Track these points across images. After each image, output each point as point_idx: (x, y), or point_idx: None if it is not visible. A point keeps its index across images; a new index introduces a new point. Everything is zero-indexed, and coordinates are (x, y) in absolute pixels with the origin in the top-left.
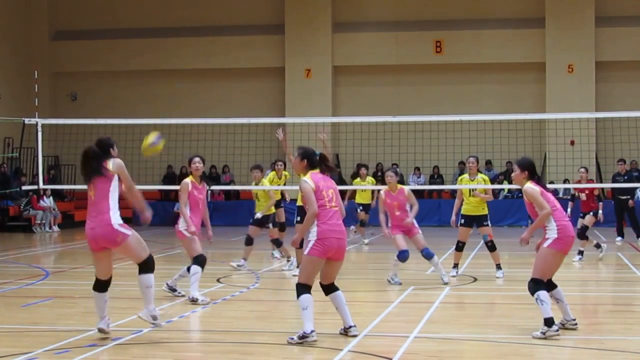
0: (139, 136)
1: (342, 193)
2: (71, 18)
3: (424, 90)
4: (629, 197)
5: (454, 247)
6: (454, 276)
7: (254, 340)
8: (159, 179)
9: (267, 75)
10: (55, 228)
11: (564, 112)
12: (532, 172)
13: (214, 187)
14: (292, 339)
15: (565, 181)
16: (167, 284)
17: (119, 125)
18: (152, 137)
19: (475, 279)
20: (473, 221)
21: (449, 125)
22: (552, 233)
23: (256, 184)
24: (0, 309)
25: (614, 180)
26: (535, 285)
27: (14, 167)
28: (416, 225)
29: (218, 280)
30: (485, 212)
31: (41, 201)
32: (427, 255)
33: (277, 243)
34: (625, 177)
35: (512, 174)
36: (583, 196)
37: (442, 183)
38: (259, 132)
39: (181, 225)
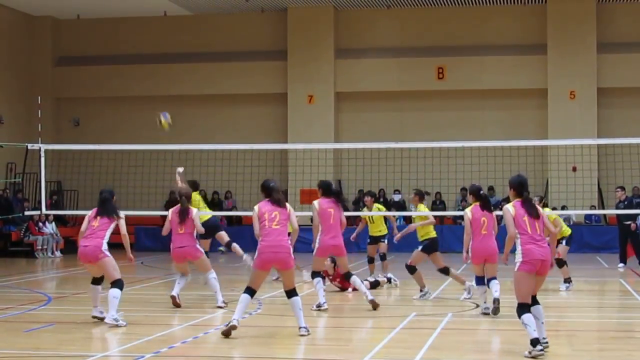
0: (141, 162)
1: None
2: (74, 44)
3: (426, 116)
4: (631, 222)
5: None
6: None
7: None
8: (161, 204)
9: (270, 101)
10: (58, 253)
11: (566, 139)
12: (519, 191)
13: (216, 213)
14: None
15: (563, 207)
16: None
17: (122, 151)
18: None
19: (478, 305)
20: None
21: (451, 151)
22: (518, 257)
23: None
24: (3, 334)
25: (616, 208)
26: (520, 309)
27: (16, 192)
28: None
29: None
30: None
31: (42, 227)
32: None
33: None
34: (625, 203)
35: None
36: None
37: (445, 209)
38: (261, 158)
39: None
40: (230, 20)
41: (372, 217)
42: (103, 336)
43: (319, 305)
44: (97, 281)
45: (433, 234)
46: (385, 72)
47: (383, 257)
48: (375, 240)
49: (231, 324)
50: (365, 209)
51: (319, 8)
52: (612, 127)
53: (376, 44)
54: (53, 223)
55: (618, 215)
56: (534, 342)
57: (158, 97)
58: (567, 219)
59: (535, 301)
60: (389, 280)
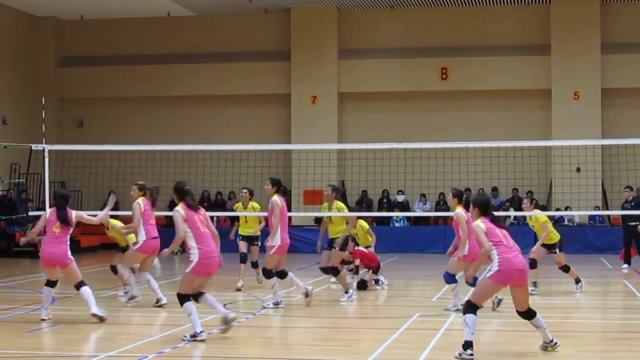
0: (144, 162)
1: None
2: (78, 44)
3: (430, 116)
4: (637, 223)
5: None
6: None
7: None
8: (165, 204)
9: (273, 101)
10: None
11: (569, 139)
12: (485, 209)
13: (219, 214)
14: (185, 336)
15: (567, 208)
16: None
17: (125, 151)
18: None
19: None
20: None
21: (454, 152)
22: (494, 265)
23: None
24: (6, 334)
25: (622, 208)
26: (468, 308)
27: (20, 192)
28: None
29: (224, 306)
30: None
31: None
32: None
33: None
34: (632, 204)
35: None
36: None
37: (448, 210)
38: (265, 159)
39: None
40: (233, 21)
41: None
42: (106, 336)
43: (276, 303)
44: (52, 284)
45: None
46: (389, 73)
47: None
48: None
49: (201, 338)
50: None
51: (323, 8)
52: (616, 127)
53: (379, 45)
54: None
55: (623, 216)
56: (467, 344)
57: (161, 98)
58: (570, 220)
59: (532, 313)
60: (377, 281)
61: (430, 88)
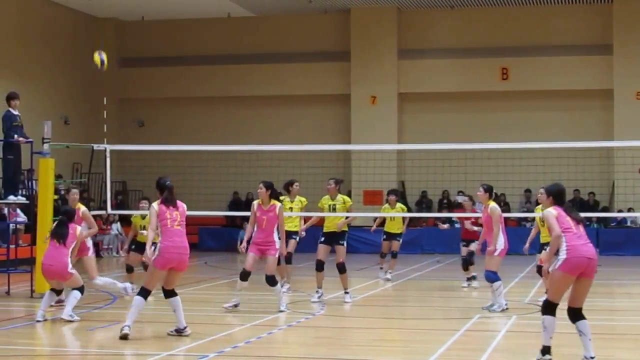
0: (204, 162)
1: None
2: (138, 45)
3: (490, 117)
4: None
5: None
6: None
7: None
8: (225, 205)
9: (333, 102)
10: (122, 253)
11: (632, 140)
12: (558, 199)
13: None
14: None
15: (630, 210)
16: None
17: (185, 151)
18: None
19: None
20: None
21: (514, 152)
22: (561, 254)
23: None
24: (68, 333)
25: None
26: (545, 308)
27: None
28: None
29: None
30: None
31: (108, 227)
32: (267, 279)
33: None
34: None
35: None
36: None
37: (509, 211)
38: (324, 159)
39: None
40: (293, 22)
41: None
42: (166, 335)
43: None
44: (57, 292)
45: None
46: (449, 73)
47: (394, 255)
48: (391, 237)
49: (123, 332)
50: (387, 205)
51: (382, 9)
52: None
53: (439, 45)
54: (118, 223)
55: None
56: (546, 349)
57: (221, 98)
58: (633, 221)
59: (581, 315)
60: (473, 278)
61: (490, 88)
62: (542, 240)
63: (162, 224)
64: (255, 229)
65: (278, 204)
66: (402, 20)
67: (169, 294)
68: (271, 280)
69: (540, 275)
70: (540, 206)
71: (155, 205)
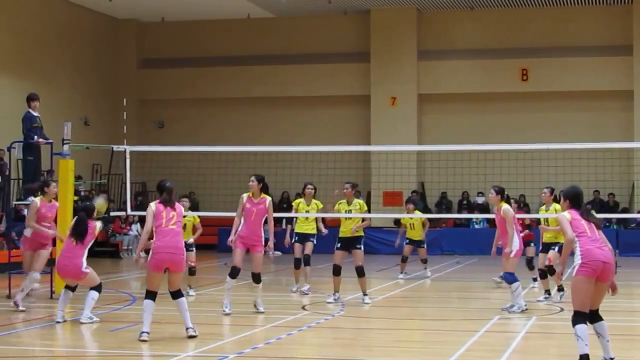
0: (224, 163)
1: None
2: (158, 46)
3: (510, 118)
4: None
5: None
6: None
7: None
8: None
9: (353, 103)
10: (142, 254)
11: None
12: (575, 202)
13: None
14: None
15: None
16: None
17: (205, 152)
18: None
19: (562, 309)
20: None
21: (534, 153)
22: (577, 259)
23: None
24: (89, 334)
25: None
26: (574, 318)
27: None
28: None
29: (303, 308)
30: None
31: (127, 228)
32: (253, 276)
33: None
34: None
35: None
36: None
37: (529, 212)
38: (344, 160)
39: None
40: (312, 23)
41: (412, 223)
42: (185, 336)
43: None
44: (72, 288)
45: None
46: (469, 74)
47: (424, 261)
48: (413, 243)
49: (142, 338)
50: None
51: (402, 10)
52: None
53: (459, 46)
54: (137, 224)
55: None
56: (583, 358)
57: (241, 99)
58: None
59: (598, 317)
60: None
61: (510, 89)
62: (546, 240)
63: (157, 224)
64: (242, 221)
65: (268, 198)
66: (422, 21)
67: (174, 295)
68: (257, 278)
69: (543, 277)
70: (544, 206)
71: (152, 204)
